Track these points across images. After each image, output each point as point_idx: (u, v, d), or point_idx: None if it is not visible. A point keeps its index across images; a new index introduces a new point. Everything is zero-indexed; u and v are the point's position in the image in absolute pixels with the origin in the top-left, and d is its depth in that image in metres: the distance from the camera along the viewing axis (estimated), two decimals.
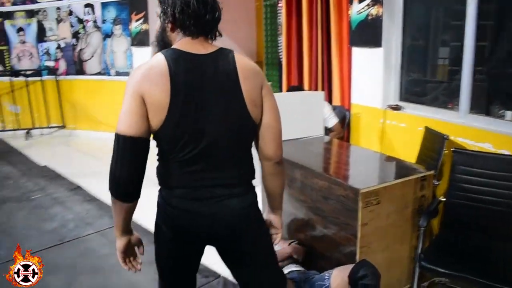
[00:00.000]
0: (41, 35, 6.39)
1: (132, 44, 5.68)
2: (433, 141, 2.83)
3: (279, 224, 1.73)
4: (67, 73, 6.37)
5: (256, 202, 1.58)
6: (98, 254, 3.06)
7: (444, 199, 2.49)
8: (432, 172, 2.45)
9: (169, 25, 1.44)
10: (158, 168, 1.50)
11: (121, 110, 1.35)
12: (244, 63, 1.44)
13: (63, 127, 6.62)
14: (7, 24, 6.43)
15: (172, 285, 1.67)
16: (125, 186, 1.37)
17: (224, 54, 1.43)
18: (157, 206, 1.54)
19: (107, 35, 5.93)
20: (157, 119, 1.35)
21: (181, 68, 1.35)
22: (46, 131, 6.68)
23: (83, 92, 6.35)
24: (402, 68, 3.46)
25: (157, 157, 1.49)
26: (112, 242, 3.18)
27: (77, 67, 6.27)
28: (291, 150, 2.87)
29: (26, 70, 6.42)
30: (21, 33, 6.42)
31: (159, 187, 1.54)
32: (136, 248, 1.60)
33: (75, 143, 6.29)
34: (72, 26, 6.17)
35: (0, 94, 6.32)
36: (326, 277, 2.26)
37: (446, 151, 2.70)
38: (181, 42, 1.43)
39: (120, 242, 1.53)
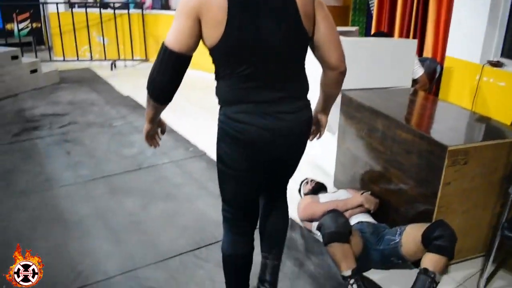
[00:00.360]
0: None
1: None
2: None
3: (324, 123, 1.80)
4: (153, 7, 6.48)
5: (311, 117, 1.63)
6: (172, 182, 3.20)
7: None
8: None
9: None
10: (217, 88, 1.53)
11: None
12: None
13: (146, 60, 6.84)
14: None
15: (236, 208, 1.69)
16: (161, 91, 1.49)
17: None
18: (220, 128, 1.55)
19: None
20: (214, 35, 1.38)
21: None
22: (130, 63, 6.94)
23: (166, 27, 6.37)
24: (510, 21, 3.09)
25: (215, 77, 1.53)
26: (185, 173, 3.34)
27: (163, 2, 6.35)
28: (374, 98, 2.72)
29: (114, 3, 6.61)
30: None
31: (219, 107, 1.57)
32: (159, 130, 1.78)
33: None
34: None
35: (90, 24, 6.59)
36: (398, 233, 2.18)
37: None
38: None
39: (147, 127, 1.69)
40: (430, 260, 1.95)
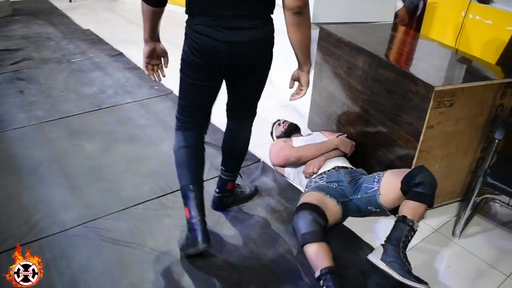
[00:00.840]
0: None
1: None
2: None
3: (305, 81, 1.74)
4: None
5: (272, 36, 1.63)
6: (136, 123, 2.97)
7: None
8: None
9: None
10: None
11: None
12: None
13: None
14: None
15: (189, 108, 1.79)
16: None
17: None
18: (184, 35, 1.61)
19: None
20: None
21: None
22: None
23: None
24: None
25: None
26: (150, 113, 3.11)
27: None
28: (355, 34, 2.51)
29: None
30: None
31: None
32: (162, 59, 1.77)
33: (120, 9, 6.01)
34: None
35: None
36: (376, 180, 2.07)
37: None
38: None
39: (146, 47, 1.70)
40: (409, 208, 1.85)
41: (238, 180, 2.19)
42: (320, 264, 1.67)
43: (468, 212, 2.06)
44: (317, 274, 1.66)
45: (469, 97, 1.96)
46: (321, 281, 1.64)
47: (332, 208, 1.94)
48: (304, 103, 2.96)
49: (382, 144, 2.23)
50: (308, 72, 1.72)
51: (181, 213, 2.09)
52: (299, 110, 3.16)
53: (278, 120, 2.72)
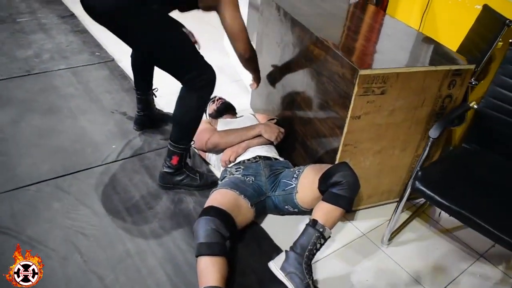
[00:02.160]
0: None
1: None
2: (489, 27, 2.05)
3: (254, 79, 2.09)
4: None
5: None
6: (61, 92, 2.68)
7: (476, 107, 1.85)
8: (472, 66, 1.77)
9: None
10: None
11: None
12: None
13: None
14: None
15: None
16: None
17: None
18: None
19: None
20: None
21: None
22: None
23: None
24: None
25: None
26: (81, 82, 2.81)
27: None
28: (300, 5, 2.19)
29: None
30: None
31: None
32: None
33: None
34: None
35: None
36: (295, 176, 1.80)
37: (501, 43, 1.96)
38: None
39: None
40: (322, 211, 1.59)
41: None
42: (205, 281, 1.42)
43: (398, 215, 1.79)
44: None
45: (405, 85, 1.66)
46: None
47: (244, 212, 1.70)
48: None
49: (311, 134, 1.95)
50: (258, 78, 2.08)
51: (74, 198, 1.86)
52: (247, 86, 2.87)
53: (214, 97, 2.43)
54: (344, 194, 1.58)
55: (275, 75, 2.25)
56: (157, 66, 1.82)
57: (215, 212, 1.55)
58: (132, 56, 2.18)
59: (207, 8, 1.74)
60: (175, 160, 1.91)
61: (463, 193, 1.58)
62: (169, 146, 1.91)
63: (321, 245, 1.56)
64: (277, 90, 2.25)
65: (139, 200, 1.92)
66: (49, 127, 2.34)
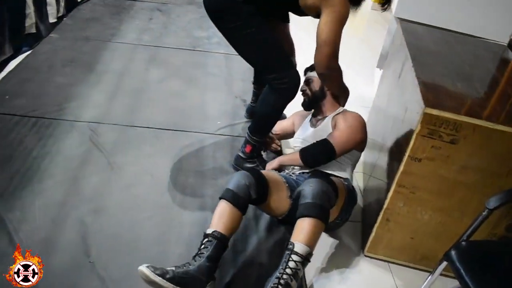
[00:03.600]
0: None
1: None
2: None
3: (344, 101, 2.03)
4: None
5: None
6: (207, 70, 3.08)
7: None
8: None
9: None
10: None
11: None
12: None
13: None
14: None
15: None
16: None
17: None
18: None
19: None
20: None
21: None
22: None
23: None
24: None
25: None
26: (227, 67, 3.16)
27: None
28: (427, 42, 2.08)
29: None
30: None
31: None
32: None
33: None
34: None
35: None
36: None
37: None
38: None
39: None
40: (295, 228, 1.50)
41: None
42: (216, 225, 1.50)
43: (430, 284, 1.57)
44: (208, 231, 1.49)
45: (485, 143, 1.45)
46: (205, 239, 1.48)
47: (280, 198, 1.69)
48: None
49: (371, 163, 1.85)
50: (344, 97, 2.02)
51: (162, 149, 2.22)
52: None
53: (310, 78, 2.05)
54: (310, 201, 1.48)
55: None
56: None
57: (254, 172, 1.63)
58: None
59: (306, 9, 1.74)
60: (248, 148, 2.04)
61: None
62: (246, 135, 2.05)
63: (296, 262, 1.42)
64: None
65: (209, 169, 2.12)
66: (181, 91, 2.74)
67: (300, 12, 1.82)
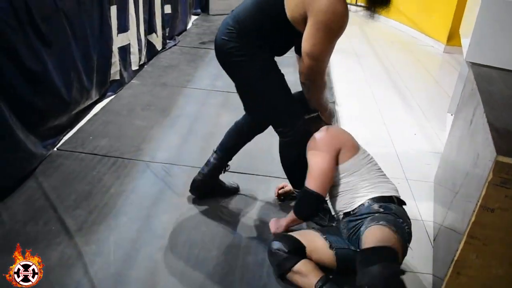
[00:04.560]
0: None
1: None
2: None
3: (325, 116, 1.87)
4: None
5: (231, 42, 1.71)
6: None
7: None
8: None
9: None
10: None
11: None
12: None
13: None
14: None
15: None
16: None
17: None
18: None
19: None
20: None
21: None
22: (353, 8, 6.76)
23: None
24: None
25: None
26: None
27: None
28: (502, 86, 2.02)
29: None
30: None
31: None
32: None
33: (371, 25, 6.13)
34: None
35: None
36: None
37: None
38: None
39: None
40: None
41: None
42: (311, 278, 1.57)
43: None
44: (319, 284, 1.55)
45: None
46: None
47: (321, 252, 1.67)
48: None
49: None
50: (323, 114, 1.88)
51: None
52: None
53: None
54: None
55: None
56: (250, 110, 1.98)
57: (287, 239, 1.67)
58: (239, 120, 2.11)
59: (296, 24, 1.63)
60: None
61: None
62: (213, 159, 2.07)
63: None
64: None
65: (276, 213, 2.14)
66: None
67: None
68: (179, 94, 3.36)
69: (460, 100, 2.30)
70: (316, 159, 1.72)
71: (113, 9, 3.15)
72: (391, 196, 1.70)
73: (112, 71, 3.24)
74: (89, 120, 2.87)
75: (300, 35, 1.63)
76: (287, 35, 1.71)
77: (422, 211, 2.21)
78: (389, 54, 4.88)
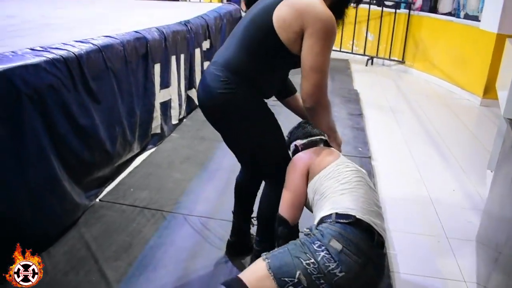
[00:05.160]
0: None
1: None
2: None
3: (334, 144, 1.76)
4: (421, 9, 6.16)
5: (230, 94, 1.61)
6: None
7: None
8: None
9: None
10: None
11: None
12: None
13: (402, 62, 6.62)
14: None
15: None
16: None
17: None
18: None
19: None
20: None
21: None
22: (387, 63, 6.87)
23: (428, 31, 6.06)
24: None
25: None
26: None
27: (432, 4, 5.95)
28: None
29: (387, 1, 6.61)
30: None
31: None
32: None
33: (404, 79, 6.24)
34: None
35: (359, 20, 6.85)
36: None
37: None
38: None
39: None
40: None
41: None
42: None
43: None
44: None
45: None
46: None
47: None
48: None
49: None
50: (333, 138, 1.76)
51: None
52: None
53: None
54: None
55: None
56: (241, 158, 1.91)
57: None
58: (237, 178, 2.06)
59: (291, 45, 1.56)
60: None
61: None
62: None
63: None
64: None
65: None
66: None
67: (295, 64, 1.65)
68: (217, 148, 3.44)
69: (500, 156, 2.27)
70: (291, 179, 1.64)
71: (157, 67, 3.35)
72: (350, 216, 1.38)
73: (153, 125, 3.39)
74: (130, 172, 2.98)
75: (294, 63, 1.63)
76: (285, 62, 1.67)
77: (464, 271, 2.13)
78: (425, 108, 4.88)
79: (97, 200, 2.60)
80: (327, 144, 1.76)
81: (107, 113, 2.62)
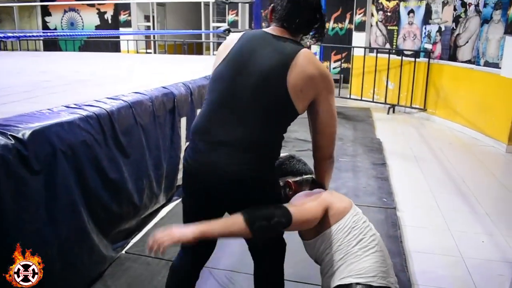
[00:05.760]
0: (427, 17, 6.47)
1: (506, 32, 4.89)
2: None
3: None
4: (441, 57, 6.24)
5: (260, 177, 1.54)
6: None
7: None
8: None
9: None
10: None
11: None
12: (307, 60, 1.53)
13: (424, 109, 6.64)
14: (402, 6, 6.87)
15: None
16: None
17: (293, 43, 1.57)
18: None
19: (486, 21, 5.32)
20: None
21: (244, 38, 1.61)
22: (408, 110, 6.90)
23: (449, 79, 6.10)
24: None
25: None
26: None
27: (451, 52, 6.03)
28: None
29: (406, 50, 6.73)
30: (411, 15, 6.73)
31: None
32: None
33: (426, 127, 6.23)
34: (455, 9, 5.90)
35: (379, 69, 6.98)
36: None
37: None
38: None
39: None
40: None
41: None
42: None
43: None
44: None
45: None
46: None
47: None
48: None
49: None
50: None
51: None
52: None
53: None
54: None
55: None
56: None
57: None
58: (174, 264, 1.86)
59: (303, 110, 1.58)
60: None
61: None
62: None
63: None
64: None
65: None
66: None
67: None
68: None
69: None
70: (310, 204, 1.58)
71: (183, 120, 3.46)
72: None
73: (179, 177, 3.45)
74: (156, 224, 3.02)
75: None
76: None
77: None
78: (449, 156, 4.83)
79: (123, 252, 2.63)
80: (314, 182, 1.74)
81: (135, 166, 2.71)
